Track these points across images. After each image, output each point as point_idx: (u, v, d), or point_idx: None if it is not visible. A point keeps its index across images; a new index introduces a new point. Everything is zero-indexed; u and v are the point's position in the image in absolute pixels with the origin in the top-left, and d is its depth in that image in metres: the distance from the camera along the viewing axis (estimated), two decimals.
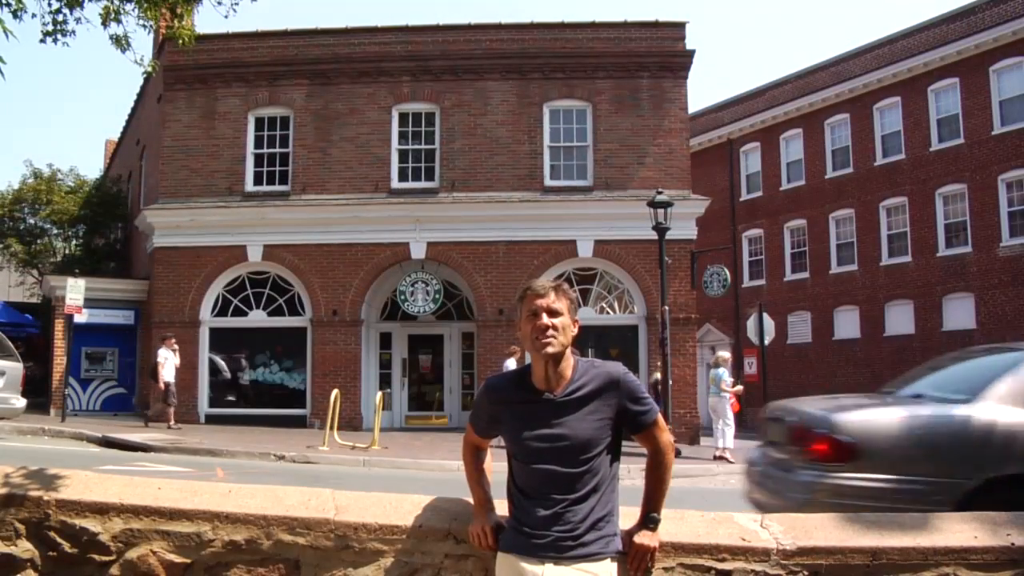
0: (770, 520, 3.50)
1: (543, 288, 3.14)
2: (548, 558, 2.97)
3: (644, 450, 3.24)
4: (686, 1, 69.30)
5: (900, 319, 29.87)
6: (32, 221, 30.85)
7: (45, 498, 3.69)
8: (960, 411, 6.06)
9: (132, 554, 3.57)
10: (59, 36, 5.78)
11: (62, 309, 21.65)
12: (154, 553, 3.56)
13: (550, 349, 3.07)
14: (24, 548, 3.64)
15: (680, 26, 23.60)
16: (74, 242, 31.42)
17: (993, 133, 27.58)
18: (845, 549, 3.29)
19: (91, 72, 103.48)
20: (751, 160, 36.44)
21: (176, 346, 20.86)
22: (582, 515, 3.01)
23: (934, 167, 29.14)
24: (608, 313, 22.94)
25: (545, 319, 3.08)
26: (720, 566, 3.29)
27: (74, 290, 20.64)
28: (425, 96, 23.39)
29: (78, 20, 5.68)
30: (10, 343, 16.53)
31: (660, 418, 3.19)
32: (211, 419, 22.20)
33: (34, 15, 5.60)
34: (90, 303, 21.63)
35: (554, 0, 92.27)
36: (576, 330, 3.18)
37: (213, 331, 23.01)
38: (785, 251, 34.53)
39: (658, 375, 21.69)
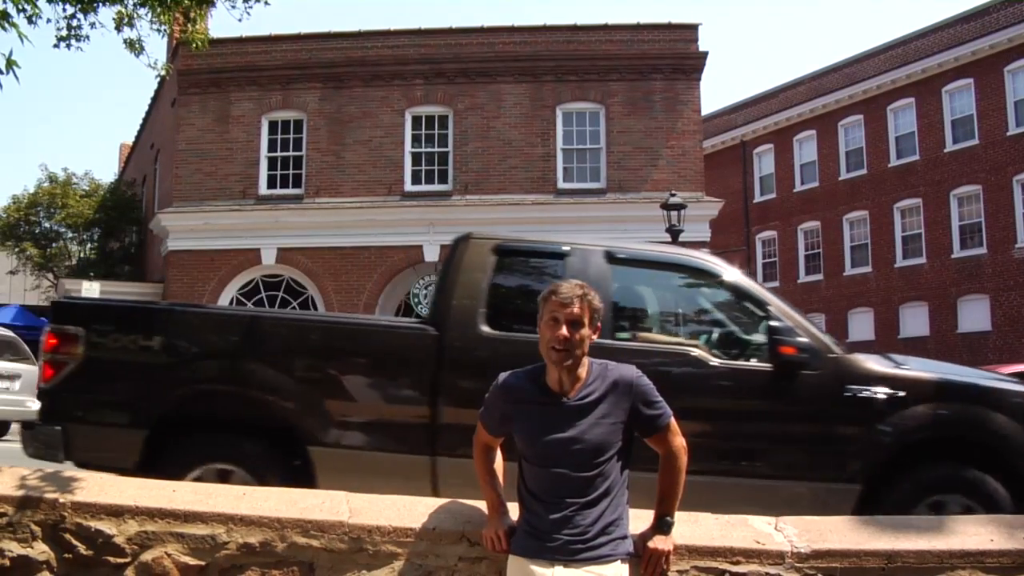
0: (784, 523, 3.49)
1: (568, 297, 3.11)
2: (558, 561, 2.97)
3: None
4: (699, 3, 69.21)
5: (915, 321, 29.75)
6: (47, 225, 30.93)
7: (61, 500, 3.71)
8: None
9: (147, 556, 3.59)
10: (73, 41, 5.81)
11: None
12: (169, 555, 3.57)
13: (566, 363, 3.08)
14: (40, 550, 3.67)
15: (693, 28, 23.54)
16: (89, 246, 31.48)
17: (1008, 134, 27.46)
18: (860, 552, 3.28)
19: (106, 76, 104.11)
20: (764, 162, 36.38)
21: None
22: (592, 518, 3.01)
23: (948, 168, 29.03)
24: None
25: (565, 331, 3.06)
26: (734, 569, 3.29)
27: (89, 293, 20.74)
28: (438, 99, 23.40)
29: (92, 25, 5.72)
30: (25, 346, 16.63)
31: (673, 421, 3.19)
32: None
33: (49, 20, 5.63)
34: None
35: (567, 3, 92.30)
36: (596, 337, 3.18)
37: None
38: (799, 253, 34.44)
39: None
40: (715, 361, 5.20)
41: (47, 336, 5.47)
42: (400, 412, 5.36)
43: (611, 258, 5.53)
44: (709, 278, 5.66)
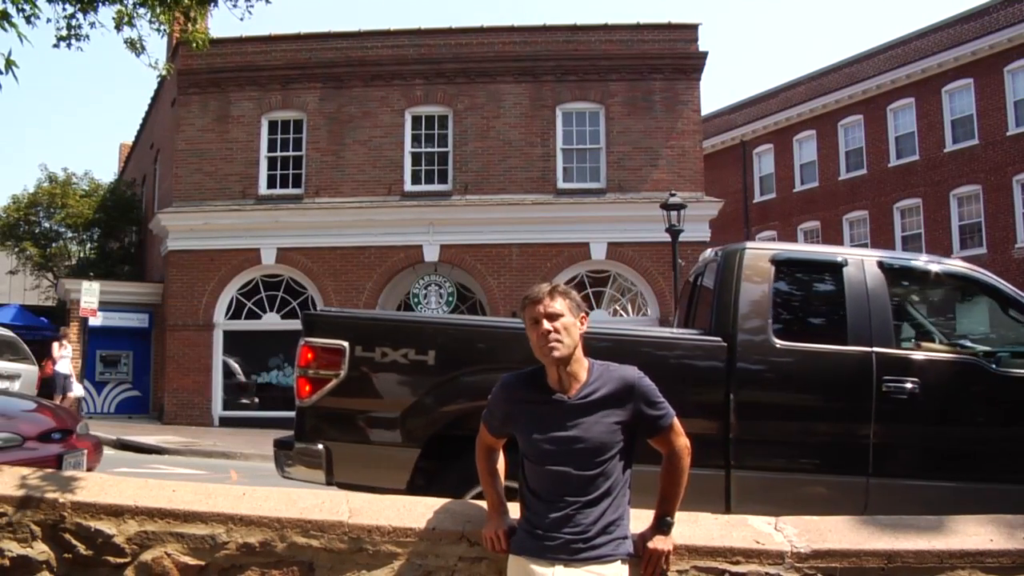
0: (784, 523, 3.49)
1: (539, 294, 3.17)
2: (559, 560, 2.97)
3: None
4: (699, 3, 69.21)
5: None
6: (47, 225, 30.96)
7: (61, 500, 3.70)
8: None
9: (147, 556, 3.58)
10: (72, 41, 5.80)
11: (77, 312, 21.73)
12: (168, 555, 3.57)
13: (556, 353, 3.09)
14: (40, 550, 3.66)
15: (693, 28, 23.54)
16: (89, 245, 31.51)
17: (1008, 134, 27.43)
18: (860, 552, 3.28)
19: (106, 76, 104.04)
20: (764, 162, 36.36)
21: None
22: (593, 518, 3.02)
23: (948, 168, 29.01)
24: (621, 315, 22.89)
25: (545, 324, 3.10)
26: (734, 569, 3.29)
27: (89, 293, 20.72)
28: (438, 99, 23.40)
29: (92, 24, 5.71)
30: (25, 346, 16.67)
31: (676, 422, 3.20)
32: (225, 422, 22.22)
33: (48, 20, 5.63)
34: (105, 306, 21.71)
35: (567, 3, 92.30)
36: (584, 327, 3.20)
37: (227, 334, 23.01)
38: None
39: None
40: (996, 369, 5.29)
41: (302, 350, 5.39)
42: (693, 426, 5.32)
43: (885, 267, 5.54)
44: (977, 287, 5.78)
